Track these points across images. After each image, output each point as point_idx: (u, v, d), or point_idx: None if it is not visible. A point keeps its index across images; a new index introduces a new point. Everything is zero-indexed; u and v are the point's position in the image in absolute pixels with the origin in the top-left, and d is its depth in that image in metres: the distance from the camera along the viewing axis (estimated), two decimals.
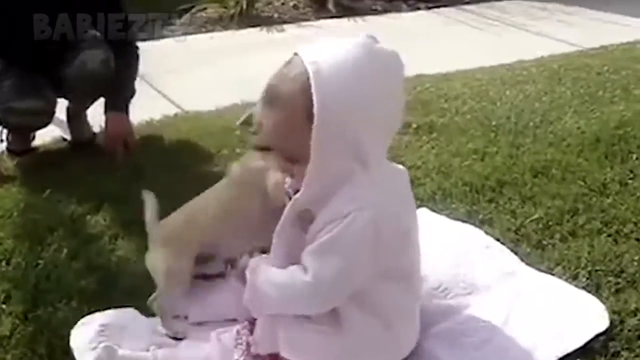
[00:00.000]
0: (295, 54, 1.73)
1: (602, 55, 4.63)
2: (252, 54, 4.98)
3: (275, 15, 5.86)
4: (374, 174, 1.71)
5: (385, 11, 6.16)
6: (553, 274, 2.29)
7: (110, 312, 2.14)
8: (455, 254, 2.30)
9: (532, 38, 5.36)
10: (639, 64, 4.33)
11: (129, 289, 2.30)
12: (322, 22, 5.83)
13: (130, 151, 3.33)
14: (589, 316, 2.06)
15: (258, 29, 5.61)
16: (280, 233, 1.81)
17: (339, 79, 1.63)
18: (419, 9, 6.23)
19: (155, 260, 2.14)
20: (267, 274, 1.83)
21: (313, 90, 1.61)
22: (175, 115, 3.95)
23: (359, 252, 1.70)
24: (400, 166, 1.94)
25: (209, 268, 2.22)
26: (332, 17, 5.89)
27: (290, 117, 1.70)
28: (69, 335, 2.06)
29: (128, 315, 2.15)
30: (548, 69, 4.27)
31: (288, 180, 1.91)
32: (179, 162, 3.20)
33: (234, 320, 2.08)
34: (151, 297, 2.14)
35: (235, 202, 2.07)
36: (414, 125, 3.41)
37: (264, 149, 1.95)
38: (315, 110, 1.61)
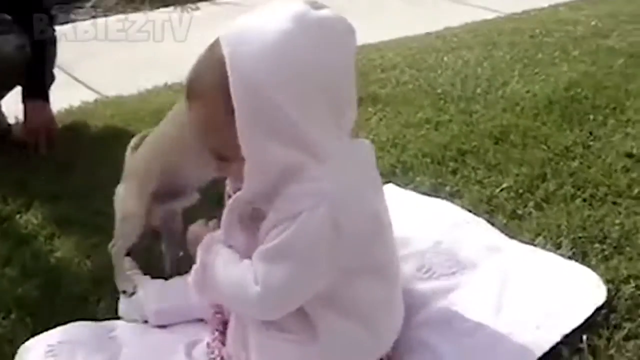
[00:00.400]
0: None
1: (528, 20, 4.56)
2: (167, 33, 4.74)
3: None
4: (329, 161, 1.45)
5: None
6: (535, 245, 2.14)
7: (56, 330, 1.90)
8: (434, 231, 2.13)
9: (452, 6, 5.24)
10: (568, 26, 4.27)
11: (75, 294, 2.07)
12: None
13: (53, 142, 3.05)
14: (585, 289, 1.92)
15: (172, 8, 5.33)
16: (227, 239, 1.58)
17: (259, 59, 1.36)
18: None
19: (116, 198, 2.02)
20: (221, 260, 1.57)
21: (229, 76, 1.36)
22: (96, 101, 3.68)
23: (314, 256, 1.46)
24: (364, 140, 1.67)
25: (180, 203, 2.04)
26: None
27: (209, 112, 1.44)
28: (12, 355, 1.81)
29: (77, 329, 1.91)
30: (480, 35, 4.17)
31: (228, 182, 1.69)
32: (111, 151, 2.91)
33: (200, 320, 1.89)
34: (110, 243, 2.01)
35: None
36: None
37: None
38: (233, 99, 1.37)
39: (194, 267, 1.61)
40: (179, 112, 1.91)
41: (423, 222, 2.17)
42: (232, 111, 1.37)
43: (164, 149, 1.95)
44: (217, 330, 1.79)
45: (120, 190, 2.03)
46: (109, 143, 3.03)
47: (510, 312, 1.86)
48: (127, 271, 2.02)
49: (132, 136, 3.09)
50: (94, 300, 2.03)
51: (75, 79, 4.05)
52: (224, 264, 1.55)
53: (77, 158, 2.89)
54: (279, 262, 1.45)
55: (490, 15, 4.81)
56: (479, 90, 3.25)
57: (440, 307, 1.88)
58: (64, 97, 3.47)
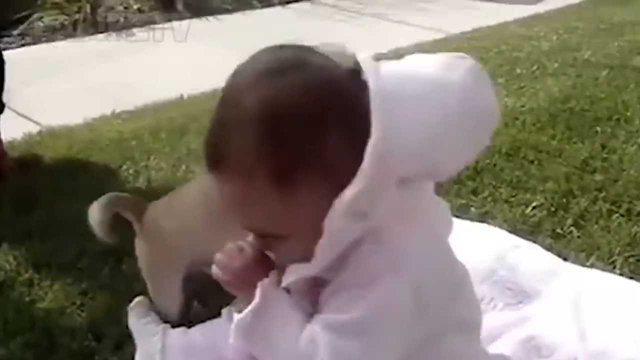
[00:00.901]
0: (234, 74, 1.14)
1: (484, 38, 4.43)
2: (105, 60, 4.43)
3: (122, 19, 5.27)
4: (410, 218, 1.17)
5: (237, 9, 5.70)
6: (588, 266, 1.93)
7: None
8: (487, 258, 1.88)
9: (398, 26, 5.08)
10: (532, 41, 4.16)
11: (73, 352, 1.74)
12: (172, 23, 5.27)
13: (4, 177, 2.68)
14: None
15: (106, 34, 4.99)
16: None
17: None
18: (272, 5, 5.81)
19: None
20: (281, 315, 1.22)
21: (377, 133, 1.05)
22: (41, 132, 3.30)
23: (393, 330, 1.16)
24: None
25: None
26: (182, 18, 5.35)
27: (247, 185, 1.08)
28: None
29: None
30: (458, 49, 3.95)
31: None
32: (72, 183, 2.59)
33: None
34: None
35: None
36: None
37: None
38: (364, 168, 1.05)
39: (245, 311, 1.29)
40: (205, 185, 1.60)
41: (470, 250, 1.91)
42: (280, 180, 1.05)
43: (194, 228, 1.62)
44: None
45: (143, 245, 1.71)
46: (69, 175, 2.71)
47: (596, 341, 1.63)
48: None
49: (96, 167, 2.87)
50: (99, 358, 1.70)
51: (12, 109, 3.65)
52: (284, 321, 1.20)
53: (38, 192, 2.53)
54: (352, 338, 1.12)
55: (439, 35, 4.66)
56: None
57: (521, 339, 1.63)
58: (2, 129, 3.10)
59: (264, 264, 1.22)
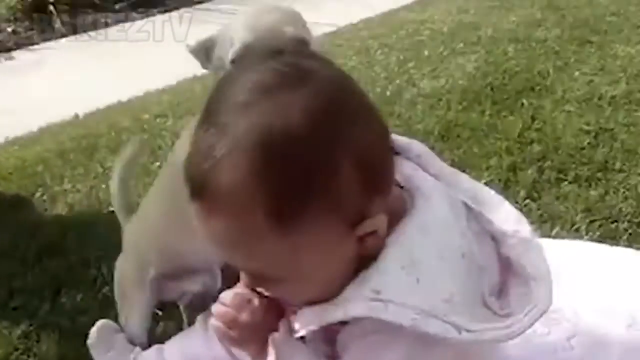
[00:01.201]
0: (220, 88, 0.93)
1: (378, 27, 4.37)
2: None
3: None
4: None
5: (115, 23, 5.45)
6: (556, 237, 1.89)
7: None
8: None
9: None
10: (428, 24, 4.13)
11: None
12: (52, 43, 5.01)
13: None
14: None
15: None
16: None
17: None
18: (152, 15, 5.61)
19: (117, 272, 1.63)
20: None
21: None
22: None
23: None
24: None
25: (194, 283, 1.56)
26: (62, 36, 5.08)
27: (240, 221, 0.89)
28: None
29: None
30: (340, 45, 3.91)
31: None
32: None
33: None
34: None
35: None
36: None
37: None
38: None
39: None
40: (168, 180, 1.45)
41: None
42: (273, 215, 0.87)
43: (156, 227, 1.49)
44: None
45: (120, 263, 1.59)
46: None
47: (590, 315, 1.57)
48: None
49: (5, 198, 2.63)
50: None
51: None
52: None
53: None
54: None
55: (328, 29, 4.57)
56: (388, 93, 2.97)
57: None
58: None
59: (273, 313, 1.06)
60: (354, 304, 0.94)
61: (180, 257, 1.49)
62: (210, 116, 0.90)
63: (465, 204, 1.02)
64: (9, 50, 4.86)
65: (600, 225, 1.95)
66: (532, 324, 0.94)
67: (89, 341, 1.56)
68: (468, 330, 0.93)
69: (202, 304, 1.50)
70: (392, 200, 0.97)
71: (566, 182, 2.17)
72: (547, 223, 1.97)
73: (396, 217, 0.96)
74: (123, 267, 1.61)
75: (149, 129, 2.97)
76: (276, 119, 0.86)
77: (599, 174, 2.19)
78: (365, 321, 0.96)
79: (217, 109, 0.90)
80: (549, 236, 1.90)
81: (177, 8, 5.75)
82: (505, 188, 2.14)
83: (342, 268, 0.96)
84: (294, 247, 0.90)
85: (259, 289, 1.03)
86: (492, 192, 1.05)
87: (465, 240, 0.99)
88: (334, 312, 0.96)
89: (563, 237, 1.90)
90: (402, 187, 1.02)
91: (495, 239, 1.02)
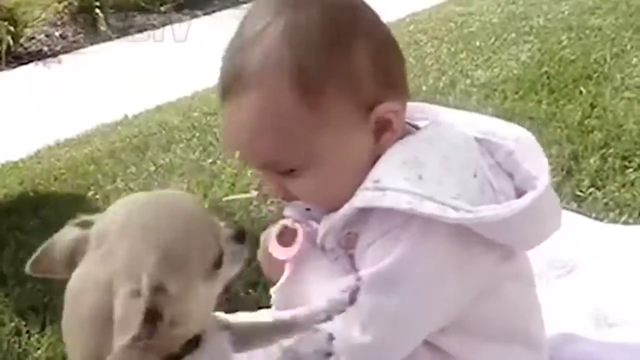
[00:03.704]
0: (252, 6, 1.07)
1: (425, 21, 4.32)
2: (35, 90, 4.18)
3: (45, 48, 4.99)
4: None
5: (162, 24, 5.47)
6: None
7: None
8: None
9: None
10: (476, 16, 4.08)
11: None
12: (99, 46, 5.05)
13: None
14: None
15: (32, 65, 4.71)
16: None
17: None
18: (197, 16, 5.62)
19: None
20: (314, 270, 1.12)
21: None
22: None
23: (433, 279, 1.03)
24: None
25: None
26: (109, 39, 5.12)
27: (273, 101, 0.99)
28: None
29: None
30: (404, 34, 3.84)
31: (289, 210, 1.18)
32: (40, 219, 2.35)
33: None
34: None
35: None
36: None
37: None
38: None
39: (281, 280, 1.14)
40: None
41: None
42: (300, 84, 0.97)
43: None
44: None
45: None
46: (29, 211, 2.45)
47: None
48: None
49: (53, 197, 2.63)
50: None
51: None
52: (318, 280, 1.10)
53: (1, 234, 2.27)
54: (390, 291, 1.01)
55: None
56: (441, 84, 2.92)
57: (586, 310, 1.49)
58: None
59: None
60: (356, 197, 1.01)
61: None
62: (244, 24, 1.03)
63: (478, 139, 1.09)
64: (57, 54, 4.91)
65: None
66: (532, 203, 1.01)
67: None
68: (467, 211, 0.97)
69: None
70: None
71: (631, 169, 2.09)
72: (614, 211, 1.89)
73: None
74: None
75: (198, 127, 2.95)
76: (300, 12, 0.99)
77: None
78: (373, 224, 1.01)
79: (251, 16, 1.03)
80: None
81: (222, 8, 5.76)
82: (568, 177, 2.08)
83: (358, 163, 1.03)
84: (316, 125, 0.98)
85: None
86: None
87: (476, 164, 1.05)
88: (343, 210, 1.02)
89: (631, 225, 1.83)
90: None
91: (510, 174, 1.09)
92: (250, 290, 1.75)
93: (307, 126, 0.99)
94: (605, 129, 2.33)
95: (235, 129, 1.04)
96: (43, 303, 1.87)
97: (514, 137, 1.15)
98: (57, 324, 1.73)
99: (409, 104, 1.11)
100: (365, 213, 1.02)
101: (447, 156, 1.03)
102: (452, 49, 3.41)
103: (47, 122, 3.54)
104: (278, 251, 1.14)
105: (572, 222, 1.77)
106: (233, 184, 2.35)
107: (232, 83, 1.01)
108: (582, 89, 2.65)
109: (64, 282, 1.87)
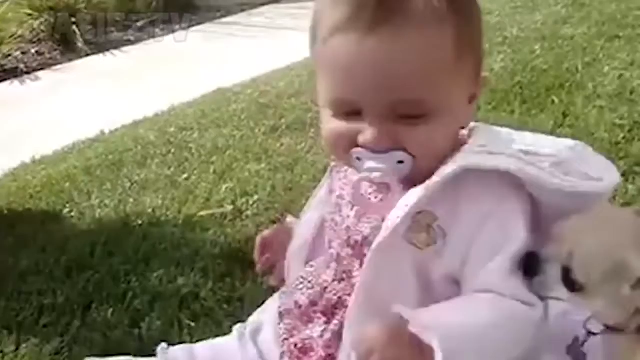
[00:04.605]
0: None
1: None
2: (11, 108, 4.14)
3: (21, 66, 4.97)
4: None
5: (138, 40, 5.47)
6: None
7: None
8: None
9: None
10: None
11: None
12: (75, 63, 5.04)
13: None
14: None
15: (8, 82, 4.70)
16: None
17: None
18: (173, 31, 5.62)
19: None
20: (451, 320, 1.03)
21: None
22: None
23: None
24: None
25: None
26: (85, 55, 5.11)
27: (430, 37, 1.01)
28: None
29: None
30: None
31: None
32: (16, 237, 2.34)
33: None
34: None
35: None
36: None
37: None
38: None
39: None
40: None
41: None
42: (464, 43, 1.02)
43: None
44: None
45: None
46: (5, 228, 2.45)
47: None
48: None
49: (29, 214, 2.62)
50: None
51: None
52: (463, 318, 1.04)
53: None
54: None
55: None
56: None
57: None
58: None
59: None
60: (462, 158, 1.03)
61: None
62: None
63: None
64: (34, 70, 4.90)
65: None
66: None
67: None
68: (563, 180, 1.06)
69: None
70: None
71: None
72: None
73: None
74: None
75: (174, 142, 2.96)
76: None
77: (637, 168, 2.15)
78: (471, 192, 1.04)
79: None
80: None
81: (199, 23, 5.76)
82: None
83: (461, 125, 1.09)
84: (457, 76, 1.03)
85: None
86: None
87: None
88: (444, 170, 1.02)
89: None
90: None
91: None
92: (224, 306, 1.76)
93: (453, 75, 1.02)
94: (578, 138, 2.33)
95: (381, 64, 1.00)
96: (17, 322, 1.87)
97: (565, 146, 1.18)
98: (32, 342, 1.75)
99: None
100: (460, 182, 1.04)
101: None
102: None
103: (23, 139, 3.54)
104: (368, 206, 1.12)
105: None
106: (207, 199, 2.36)
107: (389, 14, 0.99)
108: (554, 98, 2.69)
109: (38, 300, 1.87)
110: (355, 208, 1.14)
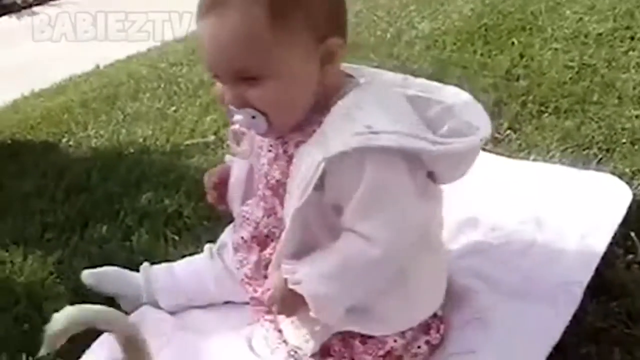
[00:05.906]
0: None
1: None
2: (8, 43, 4.34)
3: (19, 0, 5.13)
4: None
5: None
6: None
7: None
8: None
9: None
10: None
11: None
12: None
13: None
14: (609, 191, 1.87)
15: (6, 17, 4.87)
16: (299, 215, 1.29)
17: None
18: None
19: None
20: (312, 271, 1.28)
21: None
22: None
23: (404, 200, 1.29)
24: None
25: None
26: None
27: (247, 18, 1.23)
28: None
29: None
30: None
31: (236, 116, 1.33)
32: (20, 163, 2.58)
33: None
34: None
35: None
36: None
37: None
38: None
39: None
40: None
41: None
42: (284, 18, 1.22)
43: None
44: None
45: None
46: (10, 156, 2.71)
47: (550, 226, 1.77)
48: None
49: (31, 144, 2.85)
50: None
51: None
52: (319, 267, 1.28)
53: None
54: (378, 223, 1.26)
55: None
56: (388, 35, 3.15)
57: (478, 234, 1.77)
58: None
59: None
60: (348, 139, 1.21)
61: None
62: None
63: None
64: (30, 5, 5.06)
65: (572, 152, 2.12)
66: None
67: None
68: (441, 143, 1.27)
69: None
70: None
71: (546, 114, 2.33)
72: (524, 151, 2.15)
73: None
74: None
75: (164, 77, 3.18)
76: None
77: (577, 106, 2.34)
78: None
79: None
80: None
81: None
82: (490, 121, 2.31)
83: (309, 85, 1.28)
84: (279, 43, 1.22)
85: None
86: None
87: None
88: (332, 147, 1.22)
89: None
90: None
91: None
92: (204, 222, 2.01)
93: (273, 43, 1.22)
94: (529, 78, 2.57)
95: (213, 41, 1.26)
96: (23, 238, 2.10)
97: (452, 93, 1.42)
98: (37, 254, 1.99)
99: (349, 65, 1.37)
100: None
101: (396, 104, 1.33)
102: (404, 1, 3.62)
103: (23, 73, 3.74)
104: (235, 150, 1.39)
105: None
106: (193, 130, 2.59)
107: (213, 4, 1.24)
108: (514, 40, 2.88)
109: (41, 219, 2.10)
110: (268, 155, 1.39)
